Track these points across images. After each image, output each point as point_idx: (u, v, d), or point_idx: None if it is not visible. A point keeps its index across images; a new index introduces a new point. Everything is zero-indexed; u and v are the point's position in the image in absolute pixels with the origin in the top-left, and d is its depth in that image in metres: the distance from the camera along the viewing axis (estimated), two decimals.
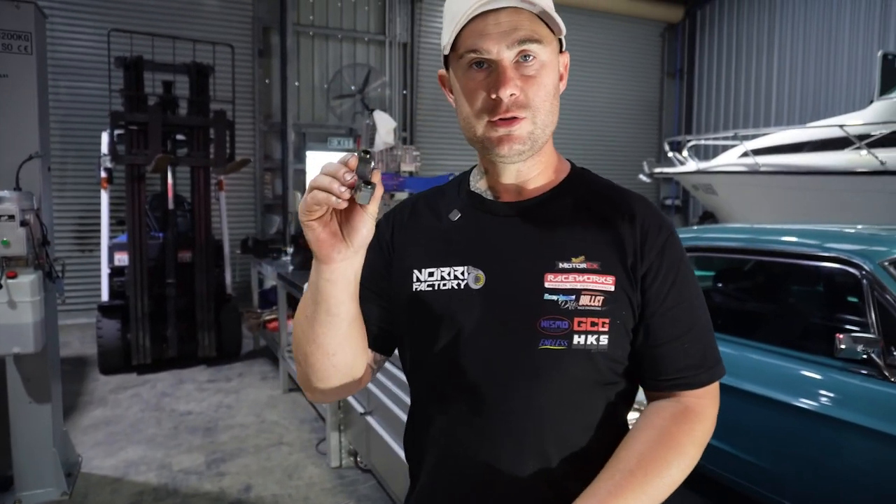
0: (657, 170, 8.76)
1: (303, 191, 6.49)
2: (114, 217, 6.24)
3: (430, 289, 0.92)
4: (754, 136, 7.75)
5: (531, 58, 0.84)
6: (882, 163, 5.76)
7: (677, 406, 0.89)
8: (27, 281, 2.88)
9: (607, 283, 0.86)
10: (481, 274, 0.90)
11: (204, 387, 5.00)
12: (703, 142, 9.74)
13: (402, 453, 2.16)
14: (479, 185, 0.98)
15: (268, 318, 5.75)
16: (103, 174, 5.98)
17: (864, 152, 5.95)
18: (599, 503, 0.79)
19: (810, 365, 2.45)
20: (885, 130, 6.00)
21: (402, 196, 4.05)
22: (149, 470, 3.47)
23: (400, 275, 0.96)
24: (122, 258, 5.40)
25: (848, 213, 5.89)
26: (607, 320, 0.86)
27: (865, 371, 2.24)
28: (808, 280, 3.38)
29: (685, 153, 8.37)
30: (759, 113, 10.89)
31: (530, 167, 0.93)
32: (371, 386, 3.01)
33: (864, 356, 2.21)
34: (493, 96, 0.83)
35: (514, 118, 0.85)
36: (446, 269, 0.92)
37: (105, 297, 5.56)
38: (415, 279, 0.94)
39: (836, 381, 2.33)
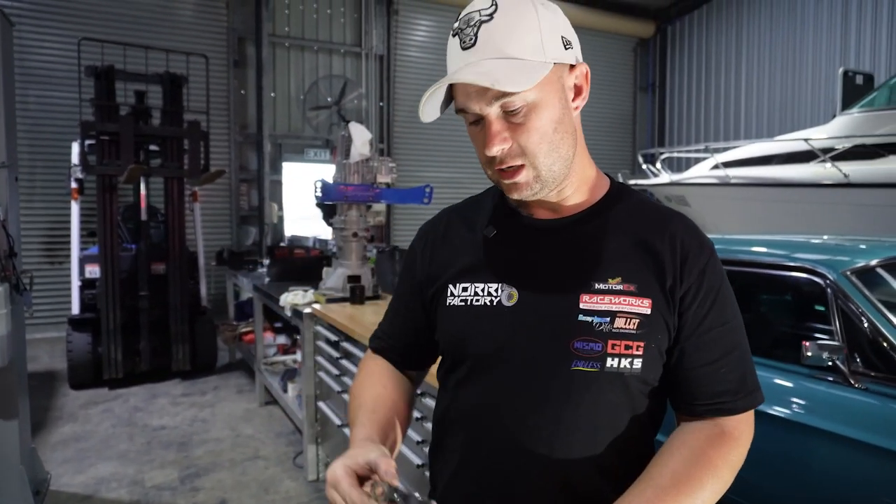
0: (632, 181, 8.89)
1: (279, 203, 6.45)
2: (85, 228, 6.12)
3: (463, 304, 0.92)
4: (724, 149, 7.93)
5: (517, 105, 0.82)
6: (846, 175, 5.94)
7: (714, 429, 0.87)
8: None
9: (644, 306, 0.85)
10: (514, 291, 0.89)
11: (178, 401, 4.91)
12: (675, 154, 9.93)
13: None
14: (513, 201, 0.97)
15: (244, 330, 5.68)
16: (74, 185, 5.87)
17: (828, 165, 6.13)
18: None
19: (780, 372, 2.52)
20: (847, 144, 6.20)
21: (379, 208, 4.06)
22: (120, 486, 3.39)
23: (435, 289, 0.97)
24: (93, 270, 5.31)
25: (814, 224, 6.07)
26: (642, 344, 0.84)
27: (831, 378, 2.31)
28: (776, 289, 3.46)
29: (658, 165, 8.52)
30: (728, 126, 11.15)
31: (561, 190, 0.91)
32: (346, 397, 3.00)
33: (830, 363, 2.27)
34: (486, 153, 0.84)
35: (513, 168, 0.85)
36: (480, 286, 0.91)
37: (76, 310, 5.44)
38: (449, 293, 0.94)
39: (804, 387, 2.39)
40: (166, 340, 5.35)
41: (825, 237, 3.28)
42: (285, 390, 4.23)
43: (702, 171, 7.83)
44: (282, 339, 5.36)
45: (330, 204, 4.05)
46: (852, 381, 2.23)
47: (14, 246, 3.00)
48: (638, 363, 0.84)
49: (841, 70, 7.43)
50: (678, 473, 0.81)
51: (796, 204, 6.45)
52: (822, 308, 2.89)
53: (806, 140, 6.43)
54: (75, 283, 5.53)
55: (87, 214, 6.42)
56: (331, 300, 3.59)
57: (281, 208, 8.93)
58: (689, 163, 9.36)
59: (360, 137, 3.80)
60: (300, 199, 8.79)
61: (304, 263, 5.02)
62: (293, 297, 3.68)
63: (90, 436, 4.15)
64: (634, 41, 12.27)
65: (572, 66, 0.87)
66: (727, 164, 7.30)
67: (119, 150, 5.11)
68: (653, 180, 8.58)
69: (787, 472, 2.43)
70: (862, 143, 6.11)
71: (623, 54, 12.24)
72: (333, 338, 3.19)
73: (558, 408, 0.85)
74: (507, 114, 0.82)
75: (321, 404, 3.38)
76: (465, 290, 0.92)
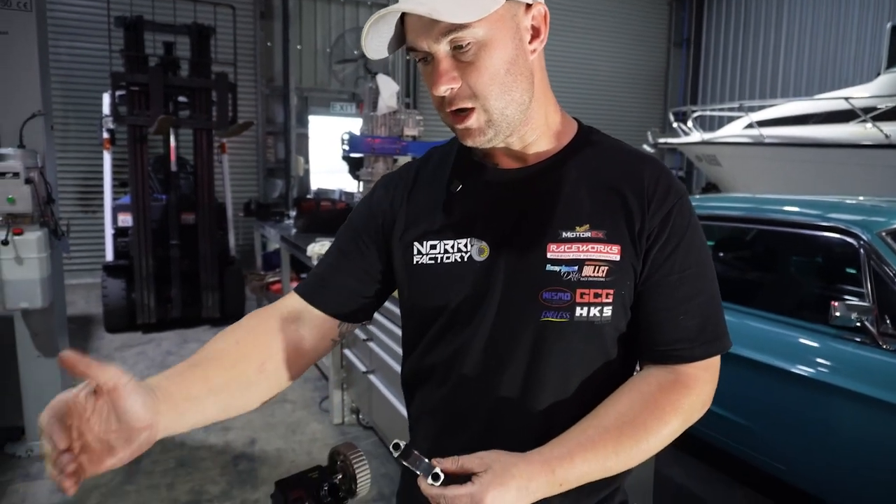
0: (661, 140, 8.72)
1: (305, 156, 6.46)
2: (116, 178, 6.25)
3: (433, 262, 0.89)
4: (760, 108, 7.71)
5: (466, 43, 0.77)
6: (887, 136, 5.74)
7: (668, 375, 0.85)
8: (33, 238, 2.92)
9: (612, 253, 0.83)
10: (485, 245, 0.87)
11: None
12: (707, 112, 9.67)
13: (403, 410, 2.22)
14: (478, 152, 0.93)
15: (271, 280, 5.80)
16: (105, 135, 5.97)
17: (868, 125, 5.92)
18: (568, 452, 0.77)
19: (806, 332, 2.50)
20: (891, 104, 5.96)
21: (405, 160, 4.06)
22: None
23: (400, 247, 0.93)
24: (125, 219, 5.44)
25: (851, 186, 5.90)
26: (612, 291, 0.82)
27: (859, 338, 2.29)
28: (807, 249, 3.41)
29: (690, 124, 8.32)
30: (765, 84, 10.78)
31: (522, 137, 0.87)
32: (373, 345, 3.07)
33: (858, 324, 2.25)
34: (434, 93, 0.80)
35: (462, 111, 0.80)
36: (450, 242, 0.89)
37: (109, 257, 5.61)
38: (416, 251, 0.91)
39: (830, 348, 2.38)
40: (196, 288, 5.50)
41: (860, 198, 3.20)
42: None
43: (734, 130, 7.63)
44: None
45: (357, 157, 4.07)
46: (881, 343, 2.21)
47: (52, 193, 3.08)
48: (608, 311, 0.83)
49: (889, 25, 7.08)
50: (623, 415, 0.81)
51: (833, 165, 6.27)
52: (852, 270, 2.85)
53: (846, 99, 6.20)
54: (108, 231, 5.69)
55: (119, 165, 6.53)
56: None
57: (307, 161, 8.97)
58: (721, 122, 9.10)
59: (388, 90, 3.78)
60: (326, 153, 8.81)
61: (330, 215, 5.06)
62: (320, 248, 3.74)
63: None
64: None
65: (529, 6, 0.81)
66: (762, 124, 7.09)
67: (148, 101, 5.16)
68: (683, 139, 8.39)
69: (811, 431, 2.44)
70: None
71: (658, 8, 11.81)
72: None
73: (530, 359, 0.85)
74: (456, 51, 0.77)
75: (346, 351, 3.47)
76: (433, 247, 0.90)
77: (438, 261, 0.89)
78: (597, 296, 0.82)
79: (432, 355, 0.93)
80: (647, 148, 8.79)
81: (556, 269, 0.83)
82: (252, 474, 3.01)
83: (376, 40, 0.81)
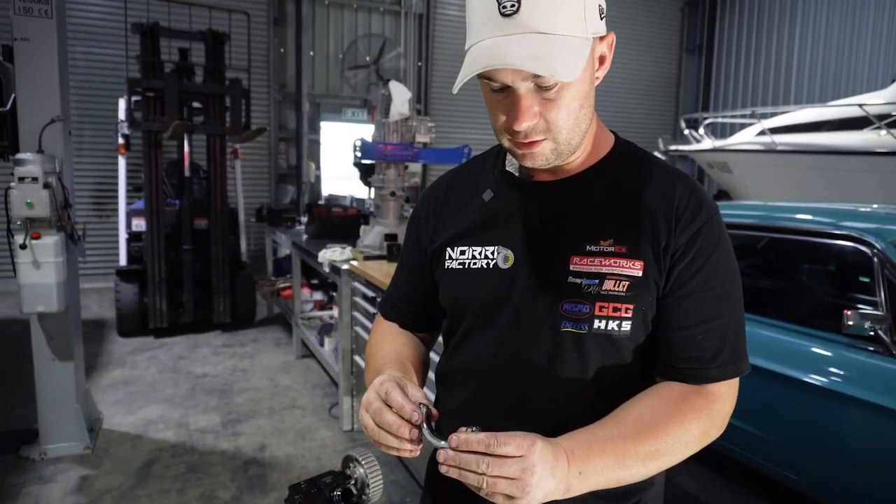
0: (672, 147, 8.69)
1: (317, 162, 6.48)
2: (131, 183, 6.32)
3: (461, 267, 0.93)
4: (772, 115, 7.66)
5: (552, 82, 0.77)
6: None
7: (689, 388, 0.86)
8: (51, 242, 2.96)
9: (634, 269, 0.84)
10: (510, 254, 0.90)
11: (219, 351, 5.11)
12: (720, 119, 9.63)
13: None
14: (513, 163, 0.96)
15: (282, 286, 5.83)
16: (121, 140, 6.04)
17: (883, 132, 5.88)
18: (585, 444, 0.78)
19: (819, 341, 2.48)
20: None
21: (415, 168, 4.07)
22: (167, 428, 3.58)
23: (435, 252, 0.98)
24: (139, 224, 5.49)
25: (865, 194, 5.85)
26: (632, 306, 0.84)
27: (872, 347, 2.27)
28: (820, 258, 3.38)
29: (701, 131, 8.29)
30: (777, 91, 10.72)
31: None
32: None
33: (871, 332, 2.23)
34: (511, 125, 0.80)
35: (534, 142, 0.82)
36: (478, 249, 0.92)
37: (123, 261, 5.67)
38: (447, 256, 0.95)
39: (843, 357, 2.36)
40: (208, 293, 5.55)
41: (874, 206, 3.18)
42: (322, 344, 4.36)
43: (746, 138, 7.59)
44: (318, 296, 5.49)
45: (368, 164, 4.08)
46: (895, 352, 2.19)
47: (69, 197, 3.13)
48: (627, 325, 0.84)
49: None
50: (643, 416, 0.81)
51: (846, 173, 6.22)
52: (865, 279, 2.83)
53: (861, 105, 6.15)
54: (122, 236, 5.75)
55: (134, 170, 6.60)
56: (368, 258, 3.66)
57: (318, 167, 9.01)
58: (733, 128, 9.06)
59: (400, 96, 3.80)
60: (337, 159, 8.86)
61: (341, 221, 5.09)
62: (332, 254, 3.76)
63: (138, 380, 4.36)
64: (683, 0, 11.79)
65: (602, 37, 0.82)
66: (774, 131, 7.05)
67: (164, 106, 5.22)
68: (695, 146, 8.36)
69: (824, 441, 2.42)
70: None
71: (670, 14, 11.79)
72: (370, 293, 3.26)
73: (548, 367, 0.87)
74: (540, 89, 0.78)
75: (357, 358, 3.48)
76: (462, 253, 0.94)
77: (466, 266, 0.93)
78: (616, 310, 0.84)
79: (455, 359, 0.98)
80: (657, 155, 8.77)
81: (578, 281, 0.85)
82: (262, 480, 3.02)
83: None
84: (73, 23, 7.42)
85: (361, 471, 0.93)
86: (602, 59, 0.84)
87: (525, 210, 0.92)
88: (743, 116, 8.67)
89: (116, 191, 6.25)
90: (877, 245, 2.39)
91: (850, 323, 2.24)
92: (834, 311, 2.76)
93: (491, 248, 0.91)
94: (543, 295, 0.86)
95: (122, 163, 6.10)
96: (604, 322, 0.84)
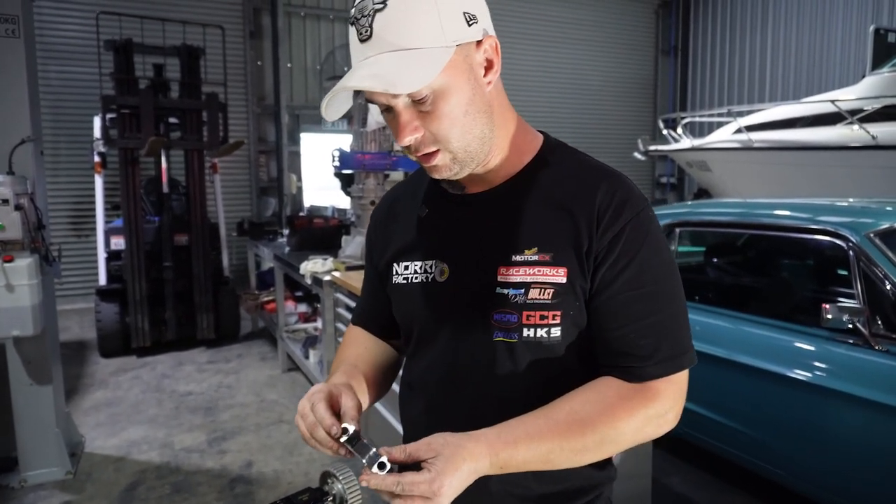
0: (652, 147, 8.76)
1: (298, 173, 6.43)
2: (109, 202, 6.24)
3: (405, 282, 0.96)
4: (748, 113, 7.75)
5: (423, 94, 0.79)
6: (873, 137, 5.78)
7: (627, 386, 0.84)
8: (24, 264, 2.90)
9: (559, 276, 0.84)
10: (446, 267, 0.92)
11: (204, 368, 5.05)
12: (697, 119, 9.73)
13: (399, 428, 2.21)
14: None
15: (265, 299, 5.78)
16: (97, 158, 5.96)
17: (856, 127, 5.97)
18: (514, 439, 0.78)
19: (800, 335, 2.50)
20: (876, 105, 6.02)
21: (397, 176, 4.07)
22: (151, 449, 3.52)
23: (384, 268, 1.01)
24: (118, 242, 5.41)
25: (841, 188, 5.94)
26: (558, 313, 0.84)
27: (851, 340, 2.29)
28: (798, 253, 3.43)
29: (679, 130, 8.36)
30: (752, 89, 10.87)
31: (486, 164, 0.90)
32: None
33: (850, 325, 2.26)
34: (398, 144, 0.84)
35: (428, 154, 0.84)
36: (418, 263, 0.95)
37: (103, 281, 5.58)
38: (394, 272, 0.98)
39: (824, 350, 2.38)
40: (191, 310, 5.47)
41: (850, 200, 3.22)
42: (307, 357, 4.32)
43: (724, 136, 7.67)
44: (303, 308, 5.45)
45: (348, 173, 4.07)
46: (873, 344, 2.21)
47: (42, 218, 3.08)
48: (556, 331, 0.85)
49: (872, 28, 7.17)
50: (575, 412, 0.81)
51: (822, 168, 6.31)
52: (843, 272, 2.86)
53: (833, 102, 6.25)
54: (101, 255, 5.66)
55: (111, 188, 6.52)
56: (350, 268, 3.64)
57: (300, 179, 8.97)
58: (711, 127, 9.16)
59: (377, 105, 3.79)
60: (318, 170, 8.82)
61: (323, 232, 5.06)
62: (313, 266, 3.73)
63: (121, 401, 4.29)
64: (656, 3, 11.94)
65: (479, 42, 0.82)
66: (750, 128, 7.14)
67: (140, 123, 5.17)
68: (673, 146, 8.43)
69: (807, 434, 2.44)
70: (892, 103, 5.92)
71: (645, 17, 11.93)
72: (352, 304, 3.24)
73: (489, 375, 0.88)
74: (416, 102, 0.80)
75: None
76: (405, 268, 0.96)
77: (409, 281, 0.96)
78: (543, 318, 0.85)
79: (413, 368, 1.01)
80: (637, 156, 8.84)
81: (505, 291, 0.86)
82: (249, 497, 2.97)
83: (334, 103, 0.83)
84: (47, 42, 7.35)
85: (339, 486, 0.91)
86: (489, 64, 0.84)
87: (457, 223, 0.93)
88: (720, 115, 8.76)
89: (94, 210, 6.16)
90: (852, 239, 2.42)
91: (829, 316, 2.25)
92: (814, 305, 2.79)
93: (429, 262, 0.94)
94: (475, 306, 0.88)
95: (98, 181, 6.01)
96: (532, 330, 0.85)
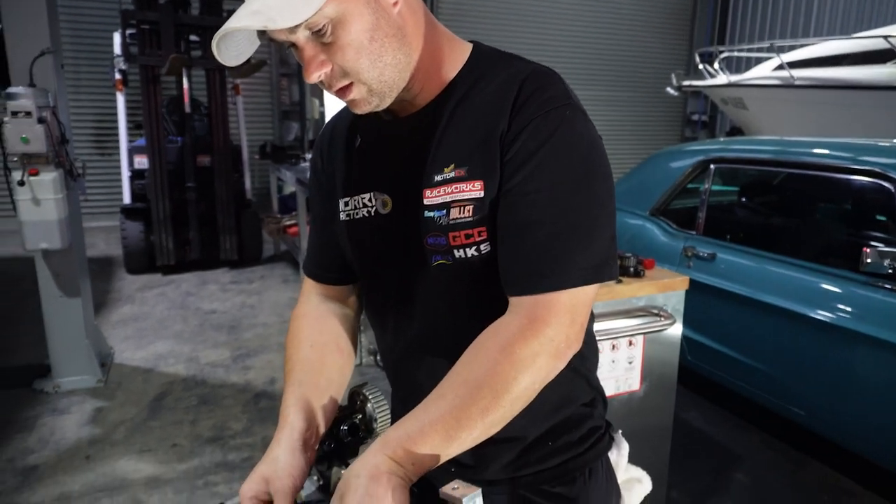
0: (686, 82, 8.42)
1: (320, 98, 6.28)
2: (131, 121, 6.19)
3: (349, 218, 0.92)
4: (791, 48, 7.36)
5: (322, 26, 0.72)
6: None
7: (513, 324, 0.76)
8: (49, 178, 2.91)
9: (475, 190, 0.79)
10: (388, 198, 0.87)
11: (227, 288, 5.14)
12: (735, 53, 9.28)
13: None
14: None
15: (287, 223, 5.80)
16: (118, 76, 5.89)
17: None
18: (418, 434, 0.72)
19: (834, 279, 2.44)
20: None
21: None
22: (177, 362, 3.63)
23: (331, 205, 0.96)
24: (141, 161, 5.41)
25: (887, 132, 5.67)
26: (483, 228, 0.79)
27: (889, 286, 2.23)
28: (838, 194, 3.30)
29: (716, 65, 7.99)
30: (797, 22, 10.28)
31: (409, 88, 0.83)
32: None
33: (890, 271, 2.19)
34: (307, 81, 0.77)
35: (342, 89, 0.78)
36: (358, 197, 0.91)
37: (127, 199, 5.62)
38: (340, 208, 0.93)
39: (859, 295, 2.32)
40: (214, 231, 5.52)
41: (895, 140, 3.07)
42: None
43: (763, 72, 7.31)
44: None
45: None
46: None
47: (65, 133, 3.05)
48: (486, 248, 0.80)
49: None
50: (468, 381, 0.74)
51: (868, 109, 6.00)
52: (882, 217, 2.76)
53: (886, 37, 5.87)
54: (125, 174, 5.68)
55: (133, 107, 6.46)
56: None
57: (322, 104, 8.80)
58: (750, 63, 8.75)
59: None
60: None
61: None
62: None
63: (147, 316, 4.40)
64: None
65: None
66: (793, 65, 6.78)
67: (160, 40, 5.05)
68: (709, 81, 8.08)
69: (834, 378, 2.41)
70: None
71: None
72: None
73: (436, 303, 0.86)
74: (316, 34, 0.73)
75: None
76: (347, 204, 0.92)
77: (352, 217, 0.92)
78: (468, 236, 0.80)
79: (370, 307, 0.99)
80: (670, 91, 8.51)
81: (431, 214, 0.82)
82: (273, 412, 3.07)
83: (232, 47, 0.76)
84: None
85: (369, 406, 0.91)
86: None
87: (389, 150, 0.89)
88: (760, 50, 8.35)
89: (116, 128, 6.13)
90: None
91: (869, 261, 2.18)
92: (851, 248, 2.70)
93: (368, 195, 0.89)
94: (412, 233, 0.84)
95: (120, 99, 5.96)
96: (462, 250, 0.80)
